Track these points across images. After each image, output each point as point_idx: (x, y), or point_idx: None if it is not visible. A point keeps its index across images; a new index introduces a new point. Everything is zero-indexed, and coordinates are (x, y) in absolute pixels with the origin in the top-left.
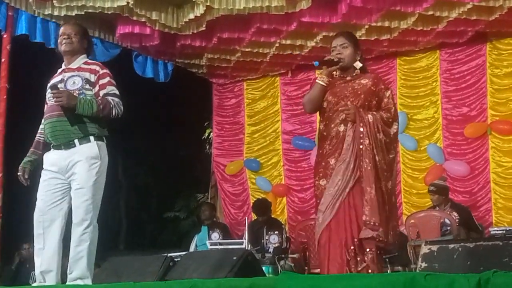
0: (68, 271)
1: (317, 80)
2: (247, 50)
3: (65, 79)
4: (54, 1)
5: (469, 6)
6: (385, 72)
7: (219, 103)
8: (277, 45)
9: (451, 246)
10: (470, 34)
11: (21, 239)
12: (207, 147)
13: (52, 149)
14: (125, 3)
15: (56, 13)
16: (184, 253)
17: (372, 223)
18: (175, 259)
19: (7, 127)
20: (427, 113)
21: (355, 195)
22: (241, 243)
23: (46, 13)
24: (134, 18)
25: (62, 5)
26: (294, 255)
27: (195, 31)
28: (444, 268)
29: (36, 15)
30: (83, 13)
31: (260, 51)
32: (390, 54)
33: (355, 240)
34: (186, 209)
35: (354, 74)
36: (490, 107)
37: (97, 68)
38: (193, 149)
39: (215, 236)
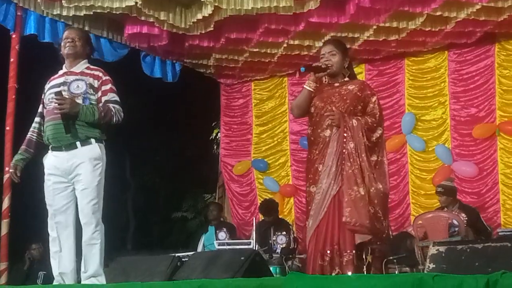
0: (82, 270)
1: (304, 86)
2: (255, 50)
3: (69, 82)
4: (62, 1)
5: (477, 7)
6: (393, 72)
7: (227, 103)
8: (285, 45)
9: (459, 247)
10: (478, 35)
11: (29, 238)
12: (215, 147)
13: (50, 151)
14: (133, 3)
15: (64, 13)
16: (191, 253)
17: (352, 224)
18: (183, 259)
19: (15, 127)
20: (435, 114)
21: (340, 199)
22: (249, 244)
23: (54, 13)
24: (142, 18)
25: (71, 5)
26: (302, 256)
27: (203, 31)
28: (452, 269)
29: (44, 15)
30: (91, 13)
31: (268, 52)
32: (398, 55)
33: (335, 244)
34: (194, 209)
35: (342, 80)
36: (498, 108)
37: (100, 74)
38: (201, 149)
39: (222, 235)
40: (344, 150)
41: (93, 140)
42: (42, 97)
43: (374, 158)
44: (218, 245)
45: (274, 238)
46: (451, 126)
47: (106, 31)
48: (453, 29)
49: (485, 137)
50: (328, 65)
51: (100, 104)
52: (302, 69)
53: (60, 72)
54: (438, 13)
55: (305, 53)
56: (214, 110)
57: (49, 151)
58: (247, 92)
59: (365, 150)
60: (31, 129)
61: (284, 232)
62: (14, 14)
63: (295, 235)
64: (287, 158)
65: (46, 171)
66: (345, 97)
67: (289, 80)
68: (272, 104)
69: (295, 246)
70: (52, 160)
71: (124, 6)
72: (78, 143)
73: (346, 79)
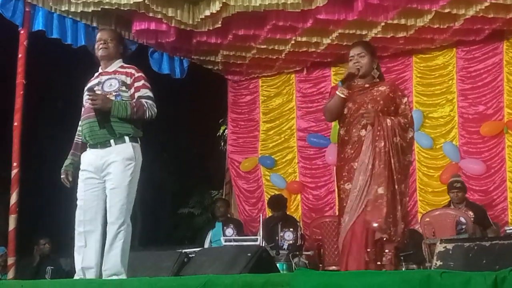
0: (103, 267)
1: (337, 93)
2: (262, 47)
3: (102, 82)
4: None
5: (486, 4)
6: (401, 70)
7: (234, 100)
8: (292, 42)
9: (467, 244)
10: (487, 32)
11: (38, 234)
12: (222, 144)
13: (88, 149)
14: (141, 0)
15: (72, 9)
16: (198, 249)
17: (373, 223)
18: (190, 255)
19: (23, 122)
20: (443, 111)
21: (372, 197)
22: (256, 240)
23: (62, 9)
24: (150, 14)
25: (79, 1)
26: (309, 252)
27: (211, 28)
28: (459, 266)
29: (53, 11)
30: (99, 9)
31: (276, 48)
32: (406, 52)
33: (368, 243)
34: (201, 205)
35: (372, 81)
36: (506, 106)
37: (133, 71)
38: (208, 146)
39: (229, 232)
40: (376, 149)
41: (127, 139)
42: (84, 100)
43: (407, 159)
44: (225, 242)
45: (281, 235)
46: (459, 124)
47: (114, 27)
48: (461, 26)
49: (493, 134)
50: (359, 67)
51: (133, 100)
52: (340, 83)
53: (96, 74)
54: (447, 10)
55: (313, 49)
56: (221, 107)
57: (88, 149)
58: (254, 89)
59: (398, 150)
60: (77, 133)
61: (292, 229)
62: (23, 10)
63: (302, 232)
64: (294, 155)
65: (81, 166)
66: (378, 98)
67: (297, 77)
68: (280, 101)
69: (302, 243)
70: (88, 157)
71: (132, 2)
72: (112, 141)
73: (376, 80)
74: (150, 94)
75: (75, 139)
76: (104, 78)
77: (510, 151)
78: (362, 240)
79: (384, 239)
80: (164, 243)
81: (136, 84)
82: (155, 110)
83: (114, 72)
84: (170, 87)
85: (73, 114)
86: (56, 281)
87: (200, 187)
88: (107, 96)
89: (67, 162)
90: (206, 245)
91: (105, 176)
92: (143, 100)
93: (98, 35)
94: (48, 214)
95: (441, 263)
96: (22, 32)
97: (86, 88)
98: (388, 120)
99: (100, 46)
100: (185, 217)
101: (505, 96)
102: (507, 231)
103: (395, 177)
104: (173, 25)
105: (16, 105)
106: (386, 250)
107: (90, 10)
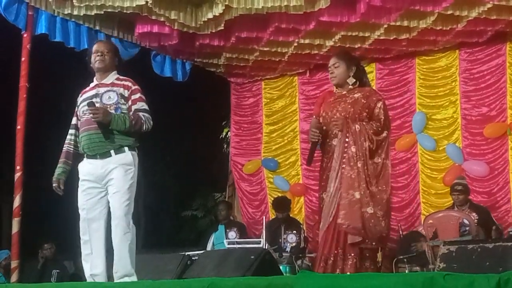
0: (113, 270)
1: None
2: (265, 49)
3: (100, 94)
4: (73, 1)
5: (489, 6)
6: (403, 71)
7: (237, 102)
8: (295, 44)
9: (470, 246)
10: (490, 34)
11: (41, 237)
12: (225, 146)
13: (86, 159)
14: (144, 3)
15: (75, 12)
16: (201, 251)
17: (345, 226)
18: (193, 258)
19: (27, 125)
20: (446, 113)
21: (343, 202)
22: (259, 242)
23: (65, 12)
24: (153, 17)
25: (82, 5)
26: (312, 255)
27: (214, 31)
28: (462, 268)
29: (55, 14)
30: (102, 12)
31: (279, 51)
32: (409, 54)
33: (339, 248)
34: (204, 208)
35: (348, 89)
36: (510, 107)
37: (130, 84)
38: (211, 148)
39: (232, 235)
40: (345, 155)
41: (126, 148)
42: (76, 109)
43: (378, 160)
44: (228, 244)
45: (284, 237)
46: (462, 125)
47: (116, 30)
48: (464, 28)
49: (496, 136)
50: (332, 77)
51: (131, 113)
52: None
53: (92, 84)
54: (449, 12)
55: (316, 52)
56: (224, 109)
57: (85, 159)
58: (257, 91)
59: (368, 154)
60: (67, 141)
61: (295, 231)
62: (26, 14)
63: (305, 234)
64: (297, 157)
65: (81, 176)
66: (349, 106)
67: (300, 79)
68: (283, 103)
69: (305, 245)
70: (87, 167)
71: (134, 5)
72: (112, 151)
73: (351, 87)
74: (146, 107)
75: (66, 147)
76: (101, 90)
77: None
78: (323, 247)
79: (361, 242)
80: (167, 246)
81: (133, 97)
82: (151, 123)
83: (112, 84)
84: (173, 90)
85: None
86: (60, 284)
87: (203, 189)
88: (107, 109)
89: (59, 170)
90: (209, 248)
91: (107, 183)
92: (141, 114)
93: (95, 47)
94: (52, 217)
95: (445, 265)
96: (25, 35)
97: (82, 99)
98: (357, 126)
99: (97, 58)
100: (188, 220)
101: (508, 97)
102: (511, 233)
103: (364, 181)
104: (175, 27)
105: (19, 109)
106: (351, 254)
107: (93, 14)
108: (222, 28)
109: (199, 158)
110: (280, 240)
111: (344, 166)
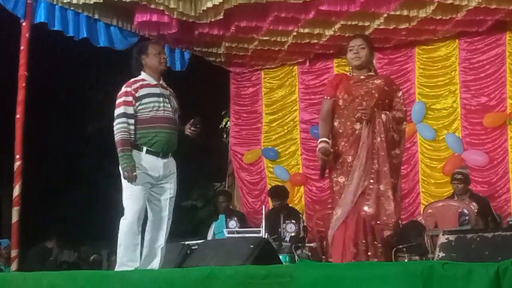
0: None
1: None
2: (265, 38)
3: (167, 96)
4: None
5: None
6: (403, 61)
7: (237, 92)
8: (295, 33)
9: (469, 236)
10: (489, 23)
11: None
12: (225, 136)
13: (146, 153)
14: None
15: (74, 1)
16: (201, 241)
17: (380, 221)
18: (193, 247)
19: (26, 114)
20: (445, 103)
21: (369, 193)
22: (258, 232)
23: (64, 1)
24: (152, 6)
25: None
26: (311, 244)
27: (213, 20)
28: (461, 257)
29: (54, 3)
30: (101, 1)
31: (278, 40)
32: (409, 43)
33: (368, 234)
34: (204, 198)
35: (367, 74)
36: (509, 97)
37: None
38: (211, 138)
39: (232, 224)
40: (373, 145)
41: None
42: (131, 99)
43: (397, 151)
44: (228, 233)
45: (283, 227)
46: (461, 115)
47: (116, 19)
48: (464, 18)
49: (496, 126)
50: (358, 57)
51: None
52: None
53: (148, 79)
54: (449, 1)
55: (315, 41)
56: (224, 99)
57: (143, 153)
58: (257, 81)
59: (390, 144)
60: (125, 130)
61: (294, 221)
62: (25, 2)
63: (305, 224)
64: (297, 147)
65: (138, 167)
66: (373, 91)
67: (299, 68)
68: (282, 92)
69: (305, 235)
70: (153, 163)
71: None
72: (170, 154)
73: (372, 73)
74: None
75: (127, 137)
76: (165, 92)
77: None
78: (353, 233)
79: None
80: (167, 236)
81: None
82: None
83: (166, 88)
84: (172, 79)
85: (75, 106)
86: (59, 273)
87: (203, 179)
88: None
89: (131, 160)
90: (209, 237)
91: (163, 184)
92: None
93: (159, 47)
94: (52, 206)
95: (444, 254)
96: (24, 24)
97: (148, 93)
98: (383, 116)
99: (164, 60)
100: (188, 210)
101: (508, 87)
102: (510, 222)
103: (392, 171)
104: (175, 16)
105: (19, 97)
106: (378, 244)
107: (92, 2)
108: (222, 17)
109: (198, 148)
110: (279, 230)
111: (374, 157)
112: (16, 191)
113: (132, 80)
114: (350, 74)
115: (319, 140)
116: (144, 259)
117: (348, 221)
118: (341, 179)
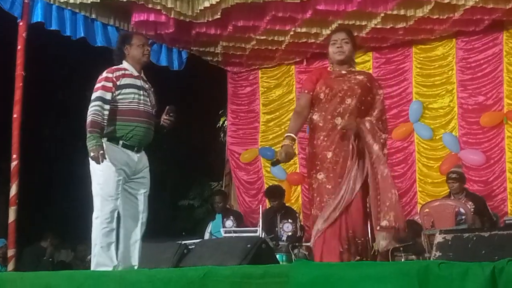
0: (132, 263)
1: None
2: (262, 38)
3: (147, 90)
4: None
5: None
6: (400, 60)
7: (234, 91)
8: (292, 33)
9: (466, 235)
10: (486, 23)
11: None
12: (222, 135)
13: (120, 147)
14: None
15: (71, 0)
16: (198, 240)
17: (397, 228)
18: (190, 247)
19: (23, 114)
20: (442, 102)
21: (363, 195)
22: (255, 231)
23: (61, 0)
24: (150, 5)
25: None
26: (308, 244)
27: (210, 19)
28: (458, 257)
29: (51, 2)
30: (98, 0)
31: (275, 39)
32: (406, 43)
33: (350, 231)
34: (200, 197)
35: (348, 69)
36: (506, 96)
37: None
38: (208, 137)
39: (229, 223)
40: (372, 154)
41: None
42: (111, 85)
43: (385, 151)
44: (225, 233)
45: (280, 226)
46: (458, 114)
47: (113, 18)
48: (461, 17)
49: (493, 125)
50: (341, 51)
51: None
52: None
53: (132, 71)
54: (446, 1)
55: (312, 40)
56: (221, 98)
57: (117, 146)
58: (254, 80)
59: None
60: (98, 113)
61: (291, 220)
62: (22, 2)
63: (301, 223)
64: (295, 147)
65: (116, 164)
66: (356, 87)
67: (297, 68)
68: (280, 92)
69: (302, 234)
70: (124, 157)
71: None
72: (143, 148)
73: (353, 68)
74: None
75: (99, 119)
76: (146, 86)
77: (509, 141)
78: (338, 234)
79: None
80: (164, 235)
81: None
82: None
83: (146, 81)
84: (169, 79)
85: (72, 105)
86: (56, 273)
87: (200, 178)
88: (153, 110)
89: (98, 141)
90: (206, 237)
91: (138, 179)
92: None
93: (143, 39)
94: (49, 205)
95: (440, 254)
96: (21, 23)
97: (127, 83)
98: (367, 123)
99: (147, 52)
100: (185, 209)
101: (505, 86)
102: (507, 222)
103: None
104: (172, 16)
105: (16, 97)
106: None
107: (89, 2)
108: (219, 16)
109: (195, 147)
110: (276, 229)
111: (375, 165)
112: (13, 190)
113: (114, 67)
114: (330, 69)
115: (286, 134)
116: (120, 256)
117: (336, 222)
118: (320, 176)
